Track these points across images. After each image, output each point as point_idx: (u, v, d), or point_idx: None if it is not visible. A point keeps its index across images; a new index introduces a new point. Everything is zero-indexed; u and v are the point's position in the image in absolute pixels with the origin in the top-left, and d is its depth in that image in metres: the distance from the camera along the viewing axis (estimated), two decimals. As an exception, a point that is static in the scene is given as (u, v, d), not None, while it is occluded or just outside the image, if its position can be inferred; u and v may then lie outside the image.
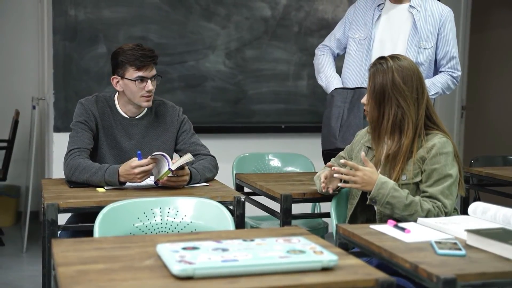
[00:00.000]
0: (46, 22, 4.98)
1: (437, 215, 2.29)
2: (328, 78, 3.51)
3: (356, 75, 3.41)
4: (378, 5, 3.41)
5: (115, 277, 1.49)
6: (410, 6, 3.36)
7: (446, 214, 2.33)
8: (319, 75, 3.60)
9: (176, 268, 1.46)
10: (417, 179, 2.39)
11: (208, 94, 4.96)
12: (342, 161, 2.47)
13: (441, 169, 2.35)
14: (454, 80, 3.41)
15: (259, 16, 5.05)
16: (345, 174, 2.40)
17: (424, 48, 3.32)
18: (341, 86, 3.45)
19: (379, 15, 3.39)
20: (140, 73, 2.83)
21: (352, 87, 3.40)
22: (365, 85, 3.17)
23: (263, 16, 5.06)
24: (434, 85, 3.34)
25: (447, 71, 3.40)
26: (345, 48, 3.59)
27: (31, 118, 5.22)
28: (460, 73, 3.42)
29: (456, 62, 3.41)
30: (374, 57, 3.25)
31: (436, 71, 3.44)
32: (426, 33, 3.33)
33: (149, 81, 2.84)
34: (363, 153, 2.45)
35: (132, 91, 2.86)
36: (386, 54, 2.56)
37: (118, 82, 2.88)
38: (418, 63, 3.30)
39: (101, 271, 1.53)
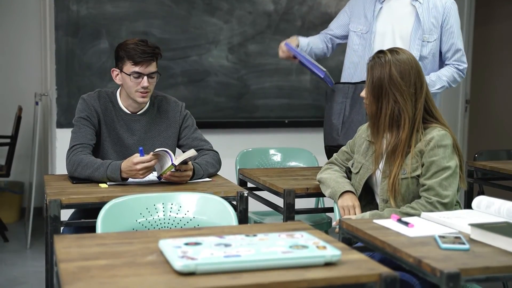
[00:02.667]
0: (48, 17, 4.98)
1: (431, 211, 2.27)
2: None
3: (362, 69, 3.38)
4: None
5: (117, 273, 1.48)
6: None
7: (446, 206, 2.32)
8: None
9: (178, 264, 1.46)
10: (417, 172, 2.38)
11: (211, 89, 4.96)
12: None
13: (439, 162, 2.34)
14: (460, 73, 3.37)
15: (262, 10, 5.03)
16: None
17: (428, 42, 3.29)
18: (301, 39, 3.55)
19: (380, 8, 3.37)
20: (136, 69, 2.82)
21: (353, 81, 3.38)
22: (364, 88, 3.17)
23: (266, 10, 5.05)
24: (439, 78, 3.31)
25: (453, 64, 3.36)
26: (339, 37, 3.58)
27: (34, 114, 5.23)
28: (466, 66, 3.38)
29: (462, 54, 3.37)
30: (375, 51, 3.22)
31: (441, 64, 3.41)
32: (429, 26, 3.30)
33: (145, 78, 2.83)
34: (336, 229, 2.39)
35: (128, 86, 2.85)
36: (387, 47, 2.54)
37: (117, 75, 2.88)
38: (422, 56, 3.27)
39: (103, 267, 1.52)
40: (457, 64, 3.37)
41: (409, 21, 3.31)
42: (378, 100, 2.43)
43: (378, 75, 2.42)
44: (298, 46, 3.49)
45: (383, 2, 3.37)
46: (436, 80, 3.28)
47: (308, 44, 3.57)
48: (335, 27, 3.59)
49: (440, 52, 3.38)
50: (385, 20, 3.35)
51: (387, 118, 2.41)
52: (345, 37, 3.55)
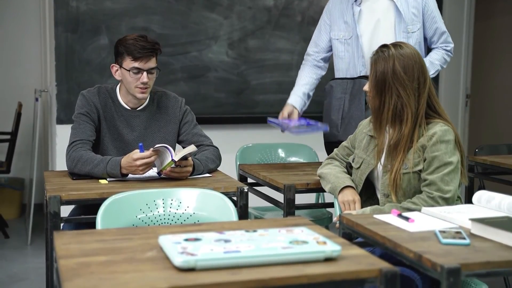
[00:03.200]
0: (48, 14, 4.97)
1: (433, 206, 2.27)
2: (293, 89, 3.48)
3: (352, 73, 3.35)
4: (355, 0, 3.31)
5: (116, 269, 1.48)
6: None
7: (447, 201, 2.32)
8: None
9: (178, 259, 1.45)
10: (418, 167, 2.37)
11: (211, 84, 4.95)
12: None
13: (442, 157, 2.34)
14: (449, 53, 3.40)
15: (261, 5, 5.02)
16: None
17: (412, 32, 3.29)
18: (294, 100, 3.41)
19: (360, 10, 3.31)
20: (136, 64, 2.81)
21: (351, 77, 3.35)
22: (362, 83, 3.15)
23: (266, 5, 5.04)
24: (432, 64, 3.31)
25: (441, 47, 3.39)
26: (330, 50, 3.49)
27: (34, 111, 5.22)
28: (453, 45, 3.41)
29: (447, 35, 3.39)
30: (366, 53, 3.22)
31: (427, 48, 3.43)
32: (411, 16, 3.28)
33: (144, 73, 2.82)
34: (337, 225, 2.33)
35: (127, 81, 2.85)
36: (376, 47, 2.52)
37: (117, 70, 2.88)
38: None
39: (102, 263, 1.52)
40: (445, 46, 3.39)
41: (390, 16, 3.29)
42: (381, 94, 2.42)
43: (381, 70, 2.41)
44: (294, 109, 3.36)
45: (360, 4, 3.32)
46: (429, 66, 3.27)
47: (303, 95, 3.44)
48: (321, 41, 3.48)
49: (425, 38, 3.39)
50: (367, 21, 3.31)
51: (390, 112, 2.40)
52: None
